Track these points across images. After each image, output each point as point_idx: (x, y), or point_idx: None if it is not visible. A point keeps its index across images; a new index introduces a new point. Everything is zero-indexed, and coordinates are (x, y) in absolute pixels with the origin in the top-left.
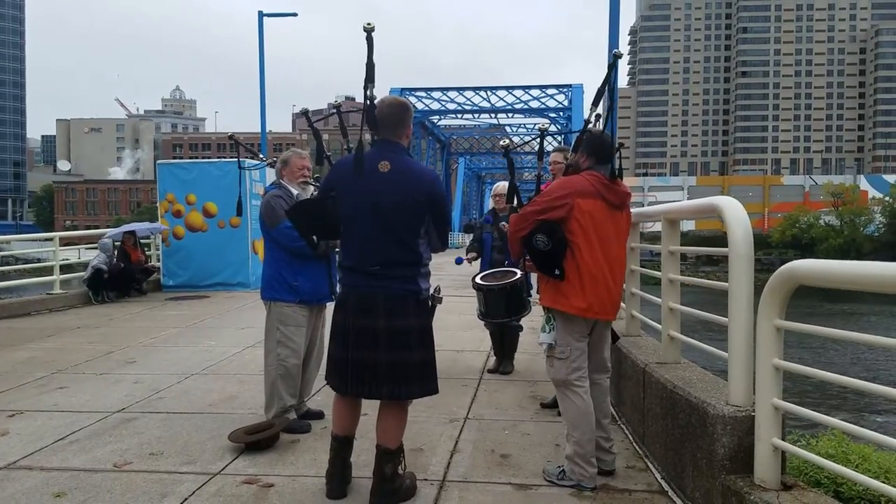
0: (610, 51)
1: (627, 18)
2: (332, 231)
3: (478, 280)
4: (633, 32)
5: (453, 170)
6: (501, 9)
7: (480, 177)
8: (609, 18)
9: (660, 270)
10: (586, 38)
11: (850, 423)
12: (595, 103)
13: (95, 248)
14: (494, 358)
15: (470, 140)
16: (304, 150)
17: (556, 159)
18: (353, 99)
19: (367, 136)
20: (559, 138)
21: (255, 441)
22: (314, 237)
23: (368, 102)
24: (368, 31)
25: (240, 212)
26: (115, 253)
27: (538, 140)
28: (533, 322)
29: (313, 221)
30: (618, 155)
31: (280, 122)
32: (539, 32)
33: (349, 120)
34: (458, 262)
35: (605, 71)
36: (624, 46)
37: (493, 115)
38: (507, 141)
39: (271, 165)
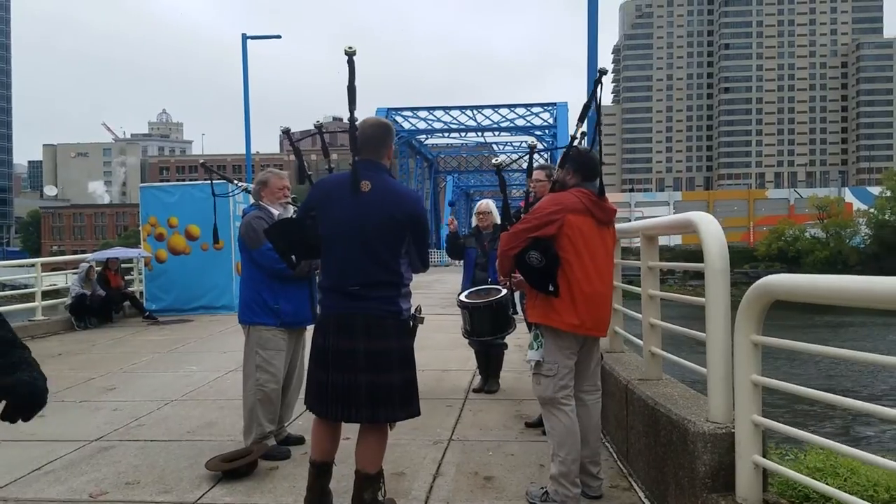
0: (590, 68)
1: (611, 37)
2: (311, 251)
3: (462, 298)
4: (616, 51)
5: (441, 188)
6: (484, 25)
7: (469, 194)
8: (587, 35)
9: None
10: (570, 54)
11: (835, 436)
12: (581, 119)
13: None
14: (480, 377)
15: (458, 158)
16: (284, 171)
17: (538, 177)
18: (340, 119)
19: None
20: (545, 155)
21: (232, 469)
22: (293, 257)
23: (350, 124)
24: (350, 54)
25: (216, 239)
26: (94, 279)
27: (527, 157)
28: (519, 340)
29: (293, 240)
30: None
31: (267, 143)
32: (521, 50)
33: (336, 140)
34: (451, 203)
35: (591, 87)
36: (608, 65)
37: (479, 134)
38: (499, 159)
39: (247, 191)
